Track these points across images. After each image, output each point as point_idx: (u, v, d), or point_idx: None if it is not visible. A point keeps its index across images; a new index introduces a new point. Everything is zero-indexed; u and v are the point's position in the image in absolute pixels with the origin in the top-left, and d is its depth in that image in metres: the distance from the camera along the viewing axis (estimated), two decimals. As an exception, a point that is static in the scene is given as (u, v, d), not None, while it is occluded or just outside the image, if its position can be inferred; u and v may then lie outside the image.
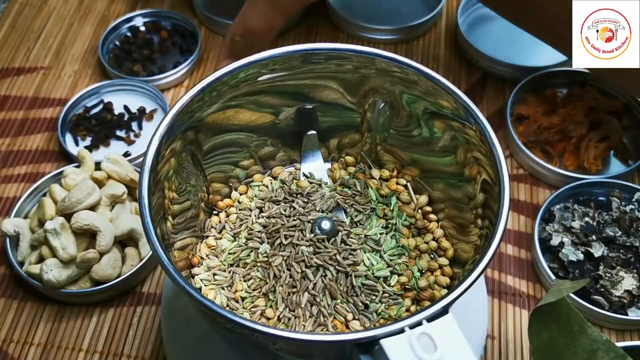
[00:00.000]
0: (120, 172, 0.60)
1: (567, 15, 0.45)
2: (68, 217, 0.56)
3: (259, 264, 0.47)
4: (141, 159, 0.64)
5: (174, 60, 0.74)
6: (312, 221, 0.48)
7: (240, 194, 0.52)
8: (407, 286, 0.47)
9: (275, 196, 0.51)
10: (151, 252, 0.54)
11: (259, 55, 0.46)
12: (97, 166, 0.61)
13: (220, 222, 0.51)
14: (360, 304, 0.45)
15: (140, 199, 0.41)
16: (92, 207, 0.57)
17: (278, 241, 0.48)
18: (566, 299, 0.41)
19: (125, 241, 0.58)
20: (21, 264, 0.58)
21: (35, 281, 0.56)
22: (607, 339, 0.40)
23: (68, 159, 0.67)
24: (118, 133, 0.68)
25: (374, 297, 0.45)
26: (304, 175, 0.53)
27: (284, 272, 0.46)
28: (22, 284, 0.59)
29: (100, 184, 0.59)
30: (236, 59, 0.46)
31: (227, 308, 0.46)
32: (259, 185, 0.52)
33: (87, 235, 0.57)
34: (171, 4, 0.81)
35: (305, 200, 0.50)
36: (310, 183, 0.52)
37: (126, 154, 0.66)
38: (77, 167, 0.62)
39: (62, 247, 0.54)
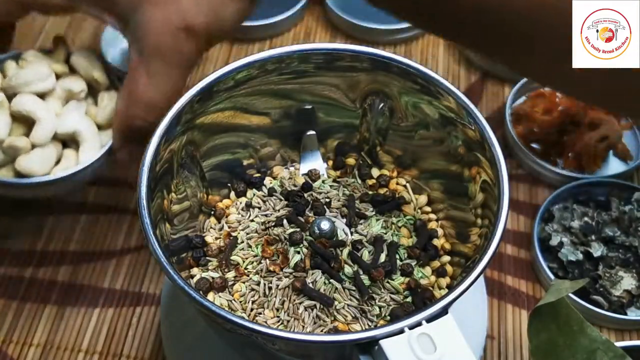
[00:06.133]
0: (88, 68, 0.54)
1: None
2: (12, 98, 0.51)
3: (257, 266, 0.47)
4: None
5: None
6: (311, 222, 0.48)
7: (239, 195, 0.52)
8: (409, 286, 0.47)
9: (275, 196, 0.51)
10: (91, 162, 0.52)
11: (258, 56, 0.46)
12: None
13: (219, 222, 0.51)
14: (361, 305, 0.45)
15: (139, 200, 0.41)
16: (42, 95, 0.52)
17: (277, 242, 0.48)
18: (565, 298, 0.41)
19: (67, 142, 0.53)
20: None
21: None
22: (607, 338, 0.40)
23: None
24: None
25: (375, 296, 0.45)
26: (304, 175, 0.53)
27: (283, 273, 0.46)
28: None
29: (58, 76, 0.54)
30: (137, 145, 0.43)
31: (226, 309, 0.46)
32: (258, 186, 0.52)
33: (27, 124, 0.51)
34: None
35: (305, 200, 0.50)
36: (310, 183, 0.52)
37: None
38: (48, 52, 0.57)
39: None
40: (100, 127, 0.54)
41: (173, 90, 0.46)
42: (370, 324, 0.45)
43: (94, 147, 0.52)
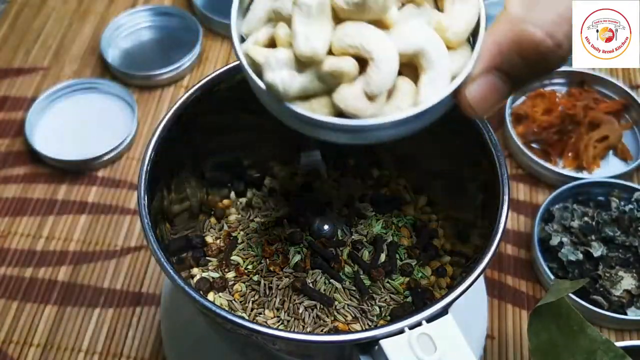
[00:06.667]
0: None
1: None
2: None
3: (257, 266, 0.47)
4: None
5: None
6: (311, 222, 0.48)
7: (239, 195, 0.52)
8: (409, 286, 0.47)
9: (275, 196, 0.51)
10: (438, 100, 0.32)
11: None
12: None
13: (219, 222, 0.51)
14: (361, 305, 0.45)
15: (139, 200, 0.41)
16: None
17: (277, 242, 0.48)
18: (565, 298, 0.41)
19: (402, 68, 0.33)
20: (244, 39, 0.36)
21: (253, 74, 0.34)
22: (607, 338, 0.40)
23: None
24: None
25: (375, 296, 0.45)
26: (304, 175, 0.53)
27: (283, 273, 0.46)
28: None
29: None
30: (507, 80, 0.32)
31: (226, 309, 0.45)
32: (258, 186, 0.52)
33: None
34: (171, 3, 0.81)
35: (305, 200, 0.50)
36: (310, 183, 0.52)
37: None
38: None
39: (306, 36, 0.32)
40: (448, 47, 0.34)
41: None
42: (370, 324, 0.45)
43: (442, 76, 0.33)
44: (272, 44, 0.34)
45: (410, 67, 0.33)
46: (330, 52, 0.32)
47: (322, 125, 0.33)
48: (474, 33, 0.33)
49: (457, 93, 0.32)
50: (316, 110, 0.33)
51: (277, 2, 0.34)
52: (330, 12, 0.32)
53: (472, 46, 0.33)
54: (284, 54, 0.32)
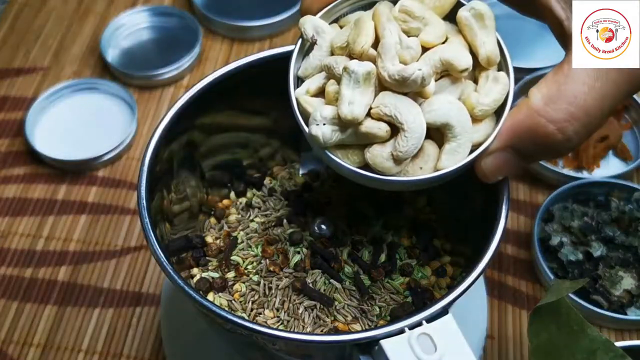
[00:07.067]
0: (477, 34, 0.38)
1: None
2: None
3: (257, 266, 0.47)
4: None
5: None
6: (311, 222, 0.48)
7: (239, 195, 0.52)
8: (409, 286, 0.47)
9: (275, 196, 0.51)
10: (455, 167, 0.37)
11: (258, 56, 0.46)
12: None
13: (219, 222, 0.51)
14: (361, 305, 0.45)
15: (139, 200, 0.41)
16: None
17: (277, 242, 0.48)
18: (565, 298, 0.41)
19: (430, 132, 0.38)
20: (299, 80, 0.40)
21: (301, 119, 0.39)
22: (607, 338, 0.40)
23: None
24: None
25: (375, 296, 0.45)
26: (303, 175, 0.53)
27: (283, 273, 0.46)
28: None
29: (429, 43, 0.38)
30: (519, 159, 0.37)
31: (226, 309, 0.46)
32: (258, 186, 0.52)
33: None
34: (171, 3, 0.81)
35: (305, 200, 0.50)
36: (310, 183, 0.52)
37: None
38: None
39: (349, 102, 0.36)
40: (473, 119, 0.37)
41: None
42: (370, 324, 0.45)
43: (463, 147, 0.37)
44: (322, 92, 0.38)
45: (438, 132, 0.37)
46: (369, 112, 0.36)
47: (351, 173, 0.38)
48: (501, 105, 0.37)
49: (474, 161, 0.37)
50: (349, 157, 0.38)
51: (331, 59, 0.37)
52: (375, 80, 0.36)
53: (496, 116, 0.38)
54: (329, 112, 0.36)
